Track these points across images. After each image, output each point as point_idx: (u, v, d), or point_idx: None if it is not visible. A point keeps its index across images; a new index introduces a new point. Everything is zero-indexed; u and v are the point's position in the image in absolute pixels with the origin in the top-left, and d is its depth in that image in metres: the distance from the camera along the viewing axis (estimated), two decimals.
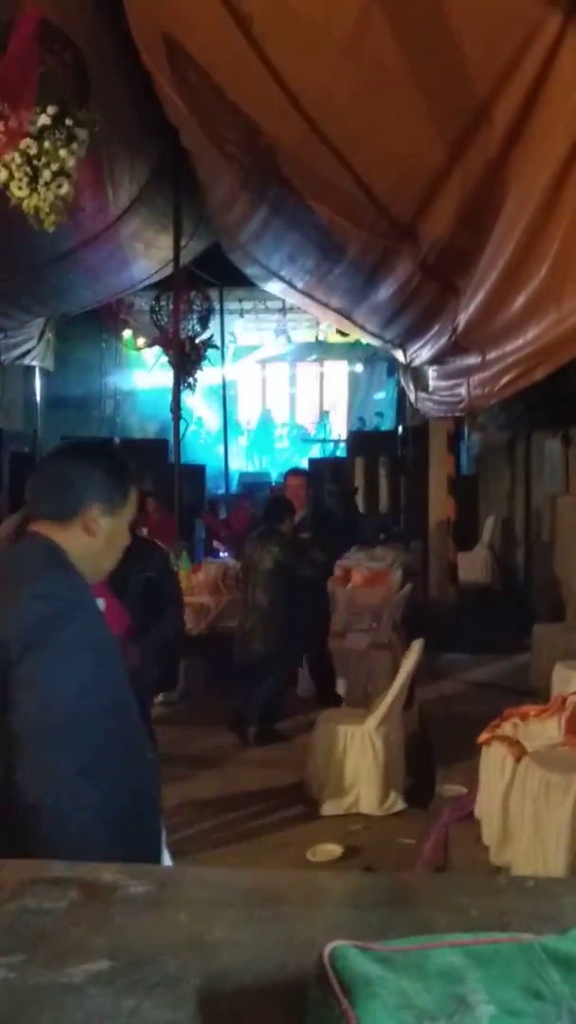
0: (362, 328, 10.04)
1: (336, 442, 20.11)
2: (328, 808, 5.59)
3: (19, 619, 1.88)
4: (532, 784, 4.22)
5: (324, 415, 21.47)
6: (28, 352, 13.25)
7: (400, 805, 5.62)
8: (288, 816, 5.61)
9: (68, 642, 1.88)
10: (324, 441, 20.64)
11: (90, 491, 2.07)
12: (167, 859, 2.04)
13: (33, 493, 2.11)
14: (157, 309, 12.00)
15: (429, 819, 5.20)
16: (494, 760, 4.62)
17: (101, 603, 2.48)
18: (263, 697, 6.95)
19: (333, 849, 5.09)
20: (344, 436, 19.78)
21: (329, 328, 16.29)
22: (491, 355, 6.37)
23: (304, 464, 15.03)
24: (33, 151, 4.79)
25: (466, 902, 1.07)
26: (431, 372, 9.17)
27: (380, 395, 20.03)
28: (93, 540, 2.06)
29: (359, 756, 5.61)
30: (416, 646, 5.92)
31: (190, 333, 11.18)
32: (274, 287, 11.18)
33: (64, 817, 1.77)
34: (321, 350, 19.93)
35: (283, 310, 16.06)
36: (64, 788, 1.79)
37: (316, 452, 20.36)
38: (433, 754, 6.02)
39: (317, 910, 1.08)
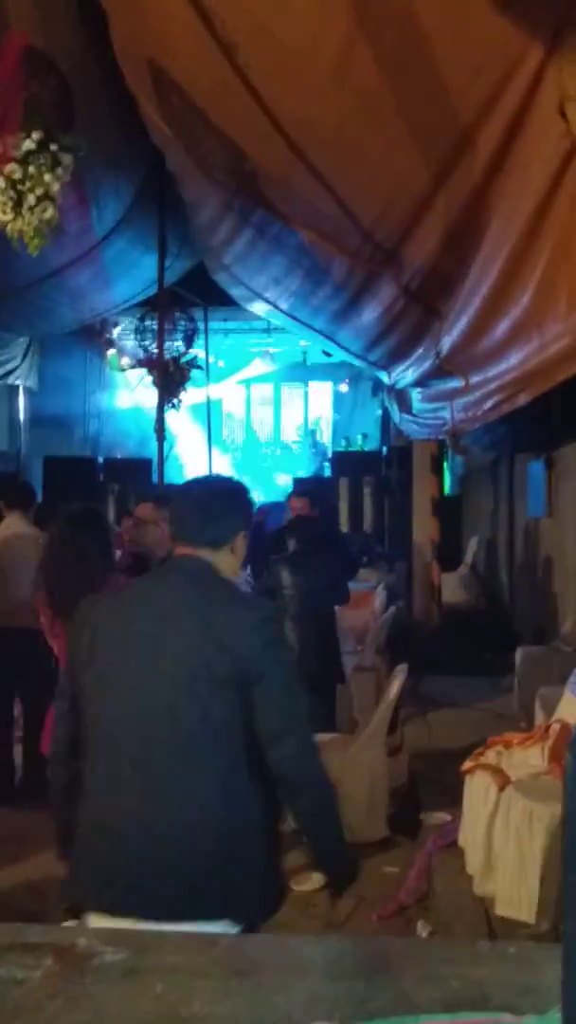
0: (346, 350, 10.06)
1: (323, 461, 20.08)
2: None
3: (259, 629, 2.32)
4: (515, 813, 4.20)
5: (310, 434, 21.45)
6: (12, 371, 13.22)
7: (384, 832, 5.57)
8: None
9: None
10: (314, 457, 20.60)
11: (239, 522, 2.54)
12: None
13: (187, 524, 2.50)
14: (141, 329, 11.99)
15: (413, 847, 5.16)
16: (478, 789, 4.60)
17: None
18: None
19: (317, 878, 5.03)
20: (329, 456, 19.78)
21: (313, 349, 16.33)
22: (475, 379, 6.38)
23: (287, 483, 15.01)
24: (18, 176, 4.78)
25: (446, 971, 1.05)
26: (415, 394, 9.19)
27: (365, 415, 20.06)
28: (236, 559, 2.53)
29: (342, 783, 5.57)
30: (400, 671, 5.89)
31: (174, 353, 11.17)
32: (259, 308, 11.20)
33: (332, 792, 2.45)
34: (305, 370, 19.95)
35: (268, 330, 16.08)
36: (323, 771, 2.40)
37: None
38: (417, 781, 5.99)
39: (296, 981, 1.05)
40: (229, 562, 2.49)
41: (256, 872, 2.29)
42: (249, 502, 2.67)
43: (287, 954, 1.17)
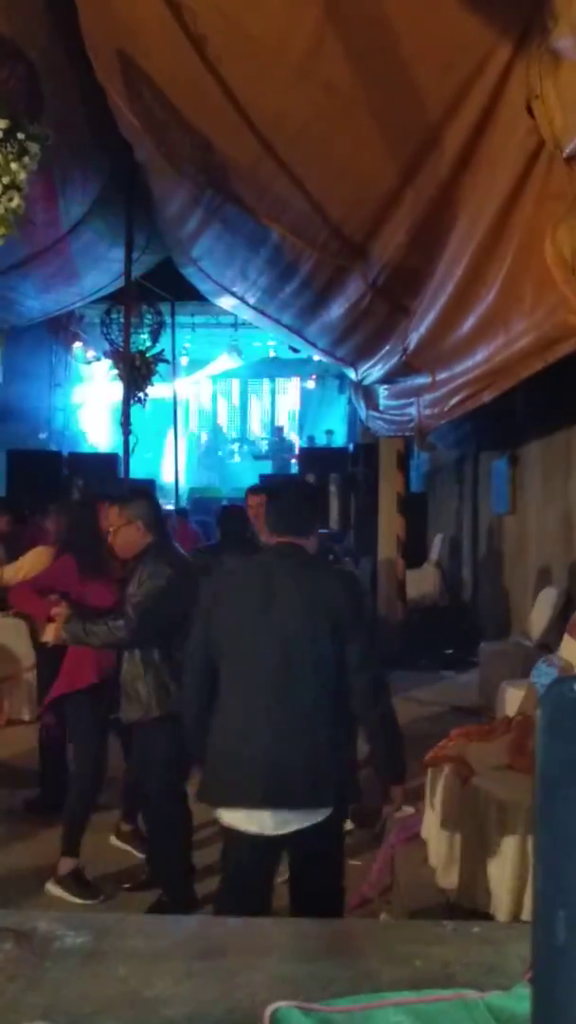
0: (313, 345, 10.06)
1: (288, 458, 20.08)
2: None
3: (345, 591, 3.29)
4: (478, 807, 4.23)
5: (277, 430, 21.44)
6: None
7: (347, 826, 5.58)
8: None
9: None
10: (278, 456, 20.60)
11: (317, 519, 3.57)
12: None
13: (288, 521, 3.41)
14: (108, 322, 11.92)
15: (375, 840, 5.18)
16: (440, 781, 4.63)
17: None
18: None
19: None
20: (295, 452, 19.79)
21: (281, 344, 16.31)
22: (441, 376, 6.41)
23: (256, 481, 14.97)
24: None
25: (410, 951, 1.06)
26: (382, 391, 9.21)
27: (332, 411, 20.09)
28: (314, 544, 3.47)
29: None
30: None
31: (141, 347, 11.10)
32: (226, 302, 11.17)
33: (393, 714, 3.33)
34: (273, 366, 19.95)
35: (235, 325, 16.05)
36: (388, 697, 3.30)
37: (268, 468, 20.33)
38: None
39: (259, 961, 1.05)
40: (312, 545, 3.44)
41: (348, 771, 3.30)
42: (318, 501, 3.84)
43: (250, 936, 1.17)
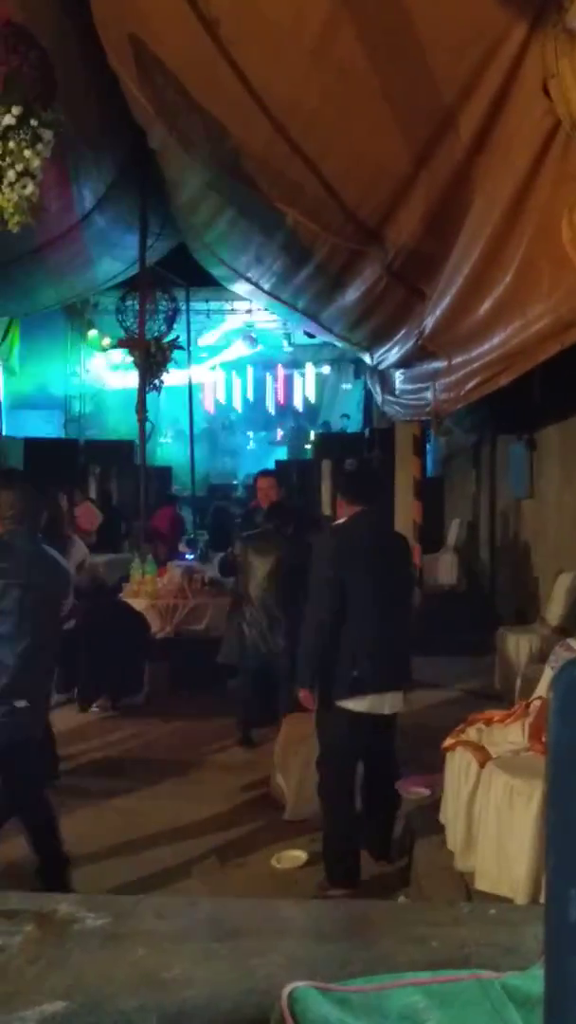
0: (329, 330, 10.03)
1: (304, 444, 20.06)
2: (291, 813, 5.57)
3: (406, 543, 5.31)
4: (496, 790, 4.23)
5: (292, 416, 21.41)
6: None
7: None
8: (253, 821, 5.58)
9: None
10: (293, 442, 20.57)
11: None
12: None
13: (364, 492, 4.95)
14: (123, 309, 11.92)
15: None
16: (458, 765, 4.63)
17: None
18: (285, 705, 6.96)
19: (298, 855, 5.07)
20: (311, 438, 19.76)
21: (296, 330, 16.27)
22: (457, 360, 6.38)
23: (271, 466, 15.01)
24: None
25: (427, 933, 1.06)
26: (398, 376, 9.18)
27: (347, 397, 20.04)
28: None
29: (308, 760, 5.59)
30: None
31: (156, 334, 11.10)
32: (241, 288, 11.14)
33: None
34: (288, 352, 19.90)
35: (250, 311, 16.02)
36: None
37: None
38: (398, 758, 6.02)
39: (277, 943, 1.06)
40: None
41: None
42: None
43: (267, 918, 1.18)
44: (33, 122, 4.73)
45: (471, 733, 4.85)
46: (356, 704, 4.61)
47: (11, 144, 4.73)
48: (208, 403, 21.32)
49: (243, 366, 21.07)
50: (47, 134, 4.81)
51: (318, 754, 4.93)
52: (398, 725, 5.03)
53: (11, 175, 4.79)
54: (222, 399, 21.71)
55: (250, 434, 22.01)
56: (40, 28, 4.86)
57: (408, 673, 5.00)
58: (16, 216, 4.91)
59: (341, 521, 5.01)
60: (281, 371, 21.45)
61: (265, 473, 8.69)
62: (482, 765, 4.44)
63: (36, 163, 4.81)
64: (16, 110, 4.66)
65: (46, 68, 4.83)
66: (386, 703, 4.72)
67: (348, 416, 19.46)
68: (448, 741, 4.81)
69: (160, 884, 4.67)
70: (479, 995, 0.86)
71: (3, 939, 1.10)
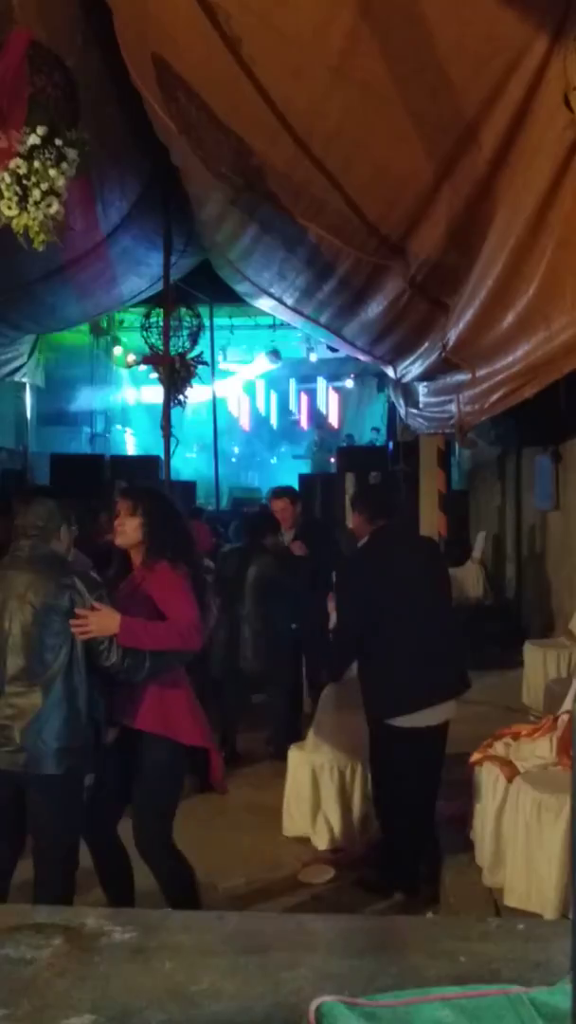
0: (352, 344, 10.04)
1: (328, 457, 20.08)
2: (316, 839, 5.47)
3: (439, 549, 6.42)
4: (524, 805, 4.21)
5: (315, 430, 21.44)
6: (19, 368, 13.24)
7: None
8: (279, 834, 5.55)
9: None
10: (317, 456, 20.58)
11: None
12: None
13: (387, 508, 4.97)
14: (147, 326, 11.99)
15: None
16: (486, 781, 4.61)
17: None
18: (279, 722, 6.94)
19: (325, 870, 5.04)
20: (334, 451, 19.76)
21: (319, 344, 16.30)
22: (481, 372, 6.37)
23: (294, 481, 15.01)
24: (23, 171, 4.78)
25: (455, 947, 1.06)
26: (421, 388, 9.17)
27: (370, 410, 20.05)
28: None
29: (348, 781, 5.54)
30: None
31: (180, 350, 11.16)
32: (264, 304, 11.18)
33: None
34: (311, 366, 19.94)
35: (273, 326, 16.07)
36: None
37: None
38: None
39: (304, 957, 1.06)
40: None
41: None
42: None
43: (295, 932, 1.17)
44: (58, 141, 4.78)
45: (498, 748, 4.83)
46: (406, 721, 4.58)
47: (36, 163, 4.77)
48: (244, 418, 21.40)
49: (266, 381, 21.15)
50: (72, 153, 4.86)
51: (373, 771, 4.91)
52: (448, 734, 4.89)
53: (36, 194, 4.84)
54: (246, 414, 21.79)
55: (272, 448, 22.06)
56: (64, 47, 4.91)
57: (463, 677, 4.86)
58: (41, 235, 4.97)
59: (364, 541, 4.92)
60: (304, 385, 21.50)
61: (277, 494, 8.02)
62: (510, 780, 4.41)
63: (61, 182, 4.86)
64: (41, 130, 4.71)
65: (70, 88, 4.88)
66: (437, 714, 4.68)
67: (378, 429, 19.46)
68: (475, 756, 4.79)
69: None
70: (508, 1010, 0.86)
71: (31, 952, 1.10)
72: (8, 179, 4.78)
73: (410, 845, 4.78)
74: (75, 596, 3.70)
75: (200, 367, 10.96)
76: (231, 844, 5.44)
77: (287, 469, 20.52)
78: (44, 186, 4.81)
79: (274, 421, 22.29)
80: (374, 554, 4.79)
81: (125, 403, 19.04)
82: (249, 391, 21.53)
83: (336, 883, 4.88)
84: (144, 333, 11.91)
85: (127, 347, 16.70)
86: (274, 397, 21.94)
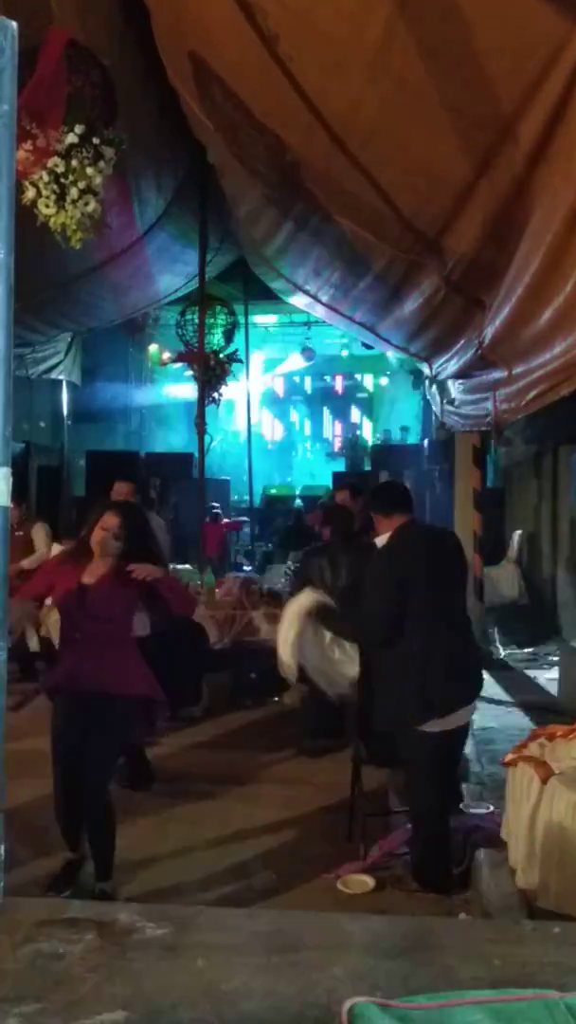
0: (387, 341, 10.01)
1: (361, 455, 20.04)
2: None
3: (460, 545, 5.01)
4: (559, 806, 4.16)
5: (349, 428, 21.41)
6: (55, 366, 13.33)
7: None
8: (313, 834, 5.51)
9: None
10: (351, 454, 20.56)
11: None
12: None
13: (406, 504, 4.82)
14: (182, 323, 12.03)
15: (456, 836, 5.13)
16: (520, 781, 4.56)
17: None
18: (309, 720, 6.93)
19: (365, 881, 4.93)
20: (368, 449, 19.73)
21: (354, 342, 16.26)
22: (517, 370, 6.32)
23: (328, 479, 15.02)
24: (60, 169, 4.82)
25: (490, 950, 1.04)
26: (457, 386, 9.12)
27: (405, 408, 19.98)
28: None
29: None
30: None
31: (215, 347, 11.18)
32: (299, 301, 11.18)
33: None
34: (346, 364, 19.90)
35: (308, 324, 16.06)
36: None
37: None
38: (459, 775, 5.95)
39: (337, 956, 1.05)
40: None
41: None
42: None
43: (327, 931, 1.17)
44: (95, 140, 4.82)
45: (533, 748, 4.78)
46: (436, 725, 4.52)
47: (74, 162, 4.82)
48: (266, 415, 21.40)
49: (301, 377, 21.14)
50: (109, 152, 4.90)
51: (405, 778, 4.90)
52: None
53: (74, 192, 4.88)
54: (280, 411, 21.81)
55: (307, 446, 22.05)
56: (101, 47, 4.94)
57: (480, 678, 4.85)
58: (78, 233, 5.00)
59: (386, 537, 4.82)
60: (339, 382, 21.46)
61: (340, 488, 8.36)
62: (544, 781, 4.37)
63: (98, 180, 4.90)
64: (79, 129, 4.75)
65: (108, 87, 4.91)
66: (466, 713, 4.73)
67: (407, 428, 19.39)
68: (509, 756, 4.74)
69: (219, 895, 4.66)
70: (543, 1014, 0.84)
71: (64, 947, 1.11)
72: (46, 177, 4.82)
73: (445, 845, 4.76)
74: None
75: (234, 364, 10.98)
76: (261, 839, 5.44)
77: (320, 467, 20.51)
78: (82, 184, 4.85)
79: (305, 419, 22.27)
80: (397, 553, 4.69)
81: (160, 400, 19.11)
82: (283, 388, 21.53)
83: (376, 893, 4.82)
84: (179, 331, 11.95)
85: (163, 344, 16.75)
86: (309, 394, 21.91)
